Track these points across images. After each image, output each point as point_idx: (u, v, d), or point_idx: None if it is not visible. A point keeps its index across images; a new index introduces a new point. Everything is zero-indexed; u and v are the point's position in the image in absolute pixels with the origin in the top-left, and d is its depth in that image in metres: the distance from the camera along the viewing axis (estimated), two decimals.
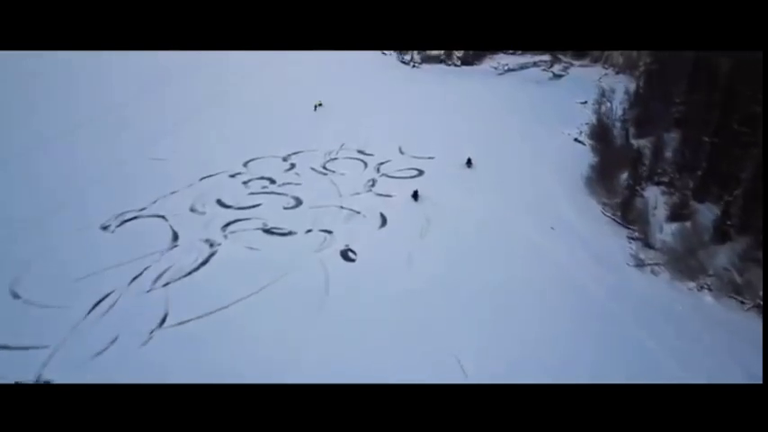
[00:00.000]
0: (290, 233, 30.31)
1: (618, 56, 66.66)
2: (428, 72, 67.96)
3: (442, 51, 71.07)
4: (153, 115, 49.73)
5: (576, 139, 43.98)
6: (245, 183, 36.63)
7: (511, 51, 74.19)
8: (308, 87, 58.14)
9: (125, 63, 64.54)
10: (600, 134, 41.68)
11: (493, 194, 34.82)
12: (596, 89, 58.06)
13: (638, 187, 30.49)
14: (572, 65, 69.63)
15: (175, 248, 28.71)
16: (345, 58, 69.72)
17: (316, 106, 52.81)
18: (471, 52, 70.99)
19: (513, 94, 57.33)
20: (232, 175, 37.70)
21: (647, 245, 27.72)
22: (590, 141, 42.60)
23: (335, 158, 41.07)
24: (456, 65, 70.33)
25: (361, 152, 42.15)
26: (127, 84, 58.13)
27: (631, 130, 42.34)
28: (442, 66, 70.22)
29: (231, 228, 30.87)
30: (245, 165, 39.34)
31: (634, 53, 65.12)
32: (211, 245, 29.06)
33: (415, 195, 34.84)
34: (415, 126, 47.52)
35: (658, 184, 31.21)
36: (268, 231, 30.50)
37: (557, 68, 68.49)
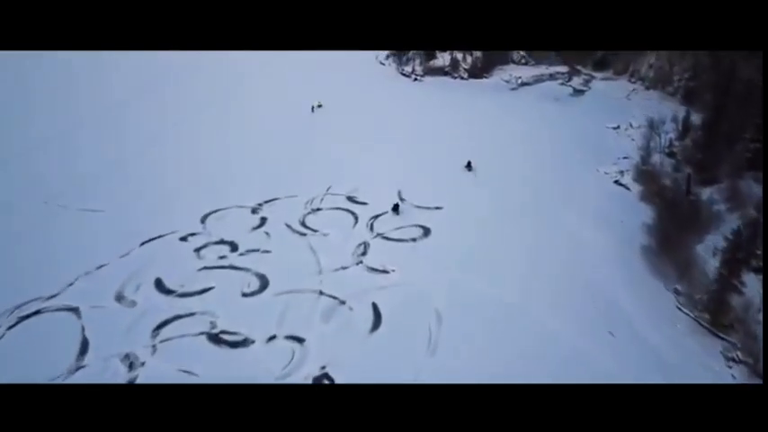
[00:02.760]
0: (244, 342, 21.12)
1: (647, 69, 57.16)
2: (431, 86, 58.42)
3: (447, 63, 61.66)
4: (113, 137, 40.96)
5: (617, 182, 34.60)
6: (198, 250, 27.40)
7: (523, 62, 64.93)
8: (293, 106, 48.85)
9: (97, 71, 55.52)
10: (651, 178, 32.36)
11: (520, 269, 25.63)
12: (627, 109, 49.37)
13: (734, 280, 21.23)
14: (593, 78, 60.19)
15: (79, 372, 19.60)
16: (338, 69, 60.57)
17: (314, 107, 48.29)
18: (479, 64, 61.62)
19: (532, 116, 47.85)
20: (183, 238, 28.45)
21: (758, 373, 18.56)
22: (637, 186, 33.23)
23: (318, 209, 31.79)
24: (463, 78, 60.80)
25: (351, 199, 32.86)
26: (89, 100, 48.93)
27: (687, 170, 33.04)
28: (447, 79, 60.62)
29: (166, 330, 21.73)
30: (204, 220, 30.08)
31: (666, 66, 55.85)
32: (131, 365, 19.95)
33: (396, 209, 30.92)
34: (417, 159, 38.23)
35: (758, 270, 21.95)
36: (215, 338, 21.31)
37: (576, 82, 59.00)
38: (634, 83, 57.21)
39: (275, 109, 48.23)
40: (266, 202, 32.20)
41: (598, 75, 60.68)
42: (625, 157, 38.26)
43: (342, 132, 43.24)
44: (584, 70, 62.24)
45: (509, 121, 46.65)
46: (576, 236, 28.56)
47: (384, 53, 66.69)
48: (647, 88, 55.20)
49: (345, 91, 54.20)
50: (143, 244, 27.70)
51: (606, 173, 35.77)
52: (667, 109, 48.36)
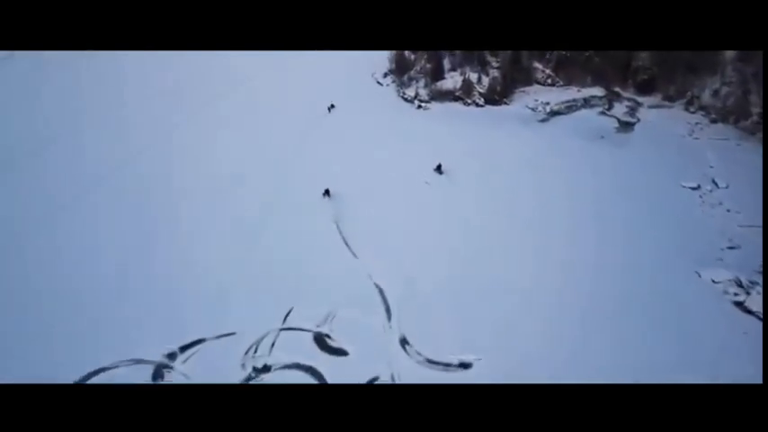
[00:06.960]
0: None
1: (709, 96, 43.57)
2: (440, 116, 44.78)
3: (458, 85, 48.06)
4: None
5: (738, 303, 21.15)
6: None
7: (550, 82, 51.24)
8: (265, 152, 35.64)
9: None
10: None
11: None
12: (699, 155, 35.88)
13: None
14: (638, 104, 46.54)
15: None
16: (325, 90, 47.15)
17: (329, 108, 44.19)
18: (498, 86, 48.04)
19: (574, 165, 34.36)
20: None
21: None
22: None
23: (265, 367, 18.47)
24: (478, 104, 47.17)
25: (320, 340, 19.57)
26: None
27: None
28: (459, 106, 46.88)
29: None
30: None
31: (738, 92, 42.28)
32: None
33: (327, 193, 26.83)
34: (419, 255, 24.71)
35: None
36: None
37: (620, 111, 45.29)
38: (693, 113, 43.59)
39: (220, 180, 35.03)
40: (183, 348, 18.95)
41: (643, 100, 47.08)
42: (731, 248, 24.89)
43: (315, 198, 29.85)
44: (624, 94, 48.70)
45: (545, 174, 33.23)
46: None
47: (382, 71, 53.03)
48: (714, 121, 41.66)
49: (330, 121, 40.96)
50: None
51: (715, 281, 22.34)
52: (752, 154, 35.38)
